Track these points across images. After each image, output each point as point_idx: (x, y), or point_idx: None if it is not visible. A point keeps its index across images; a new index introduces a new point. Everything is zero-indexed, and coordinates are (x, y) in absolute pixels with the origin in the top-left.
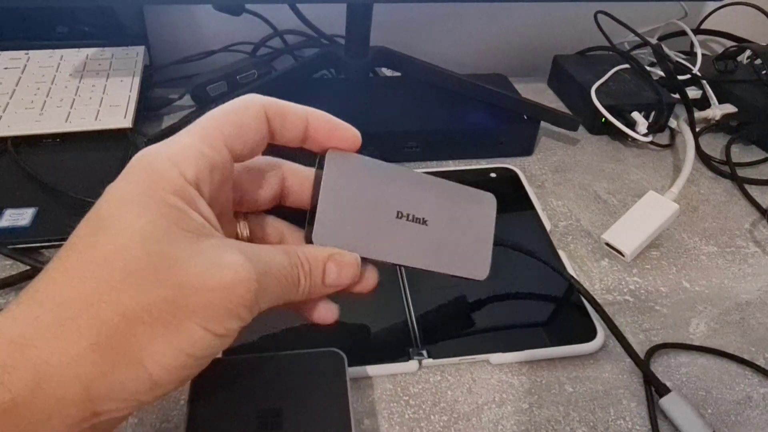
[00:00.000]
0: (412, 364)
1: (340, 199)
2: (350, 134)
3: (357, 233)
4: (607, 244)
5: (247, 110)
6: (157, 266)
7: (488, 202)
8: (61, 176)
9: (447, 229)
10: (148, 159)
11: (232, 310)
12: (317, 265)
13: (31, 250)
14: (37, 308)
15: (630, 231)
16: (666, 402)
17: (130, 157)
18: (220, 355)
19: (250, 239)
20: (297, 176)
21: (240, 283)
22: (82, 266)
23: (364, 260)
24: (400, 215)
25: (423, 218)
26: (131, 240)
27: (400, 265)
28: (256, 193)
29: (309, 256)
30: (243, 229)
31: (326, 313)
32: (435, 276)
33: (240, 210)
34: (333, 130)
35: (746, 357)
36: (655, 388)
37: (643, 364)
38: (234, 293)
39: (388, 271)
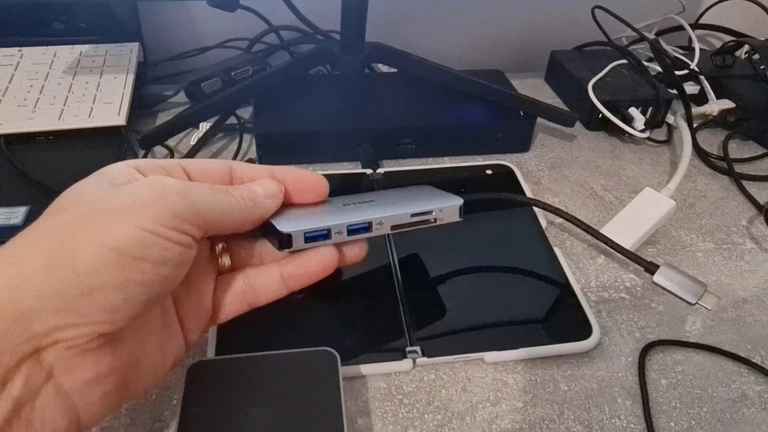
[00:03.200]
0: (405, 363)
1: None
2: (316, 186)
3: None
4: None
5: (210, 160)
6: (90, 197)
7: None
8: (54, 174)
9: (396, 196)
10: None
11: (159, 203)
12: (246, 183)
13: None
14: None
15: (626, 228)
16: (659, 277)
17: (124, 155)
18: (213, 356)
19: (233, 268)
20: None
21: (166, 187)
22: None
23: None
24: (347, 205)
25: (371, 200)
26: (72, 191)
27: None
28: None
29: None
30: (224, 258)
31: (358, 250)
32: (429, 273)
33: (216, 238)
34: (300, 180)
35: (742, 354)
36: (645, 268)
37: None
38: (160, 195)
39: (381, 270)
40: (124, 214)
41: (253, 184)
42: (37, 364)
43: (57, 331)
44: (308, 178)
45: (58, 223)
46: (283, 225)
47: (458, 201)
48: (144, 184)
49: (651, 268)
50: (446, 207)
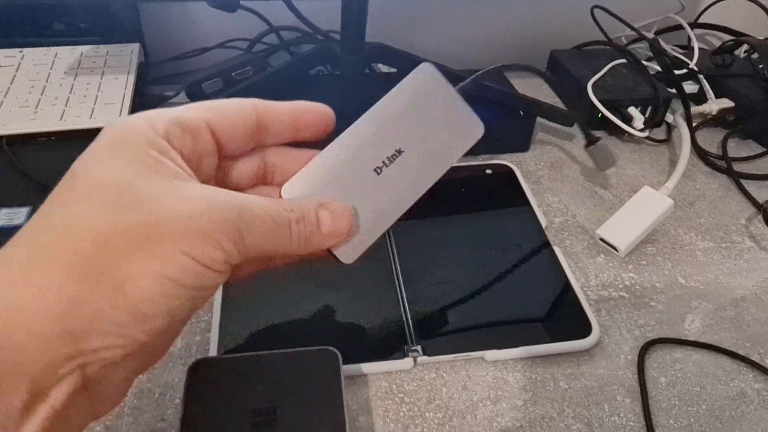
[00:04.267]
0: (407, 362)
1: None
2: (322, 119)
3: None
4: (602, 240)
5: (235, 102)
6: (129, 199)
7: (428, 73)
8: (56, 175)
9: (423, 134)
10: (120, 120)
11: (211, 236)
12: (308, 211)
13: None
14: (10, 249)
15: (624, 226)
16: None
17: None
18: (215, 354)
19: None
20: (280, 155)
21: (217, 210)
22: (54, 209)
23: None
24: (378, 170)
25: (397, 149)
26: (103, 180)
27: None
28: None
29: (295, 204)
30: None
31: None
32: (429, 272)
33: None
34: (302, 113)
35: (741, 353)
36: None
37: None
38: (212, 220)
39: (382, 269)
40: (178, 241)
41: (322, 212)
42: (79, 377)
43: (104, 350)
44: (310, 118)
45: (100, 234)
46: (300, 182)
47: (479, 124)
48: (195, 203)
49: None
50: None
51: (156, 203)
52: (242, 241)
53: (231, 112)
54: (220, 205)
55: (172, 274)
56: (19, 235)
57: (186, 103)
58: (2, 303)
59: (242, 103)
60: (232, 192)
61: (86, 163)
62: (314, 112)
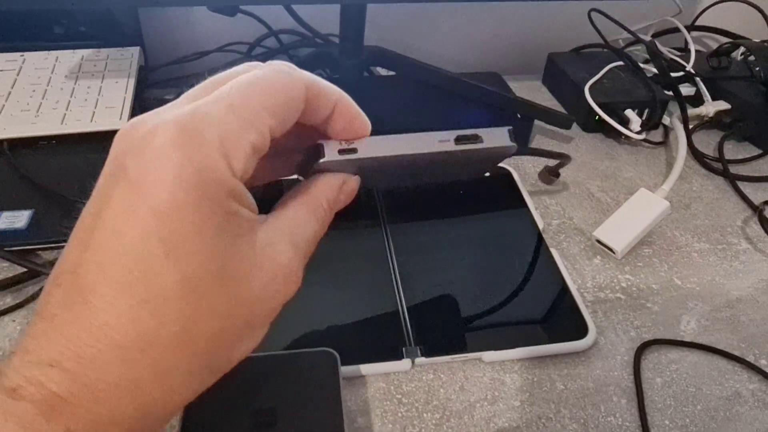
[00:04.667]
0: (404, 363)
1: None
2: (365, 129)
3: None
4: (599, 242)
5: (293, 92)
6: (229, 290)
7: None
8: (57, 178)
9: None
10: (195, 148)
11: (283, 303)
12: (336, 207)
13: (27, 252)
14: (125, 351)
15: (621, 228)
16: None
17: None
18: None
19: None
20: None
21: (293, 280)
22: (155, 297)
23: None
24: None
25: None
26: (201, 269)
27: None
28: None
29: (330, 200)
30: None
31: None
32: (427, 273)
33: None
34: (353, 119)
35: (736, 353)
36: None
37: None
38: (288, 290)
39: (380, 271)
40: (265, 319)
41: (341, 195)
42: None
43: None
44: (359, 123)
45: (212, 338)
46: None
47: (506, 127)
48: (278, 283)
49: None
50: (493, 130)
51: (247, 288)
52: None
53: (291, 113)
54: (295, 275)
55: (256, 344)
56: (113, 319)
57: None
58: (140, 410)
59: (297, 95)
60: (294, 235)
61: (174, 233)
62: (362, 121)
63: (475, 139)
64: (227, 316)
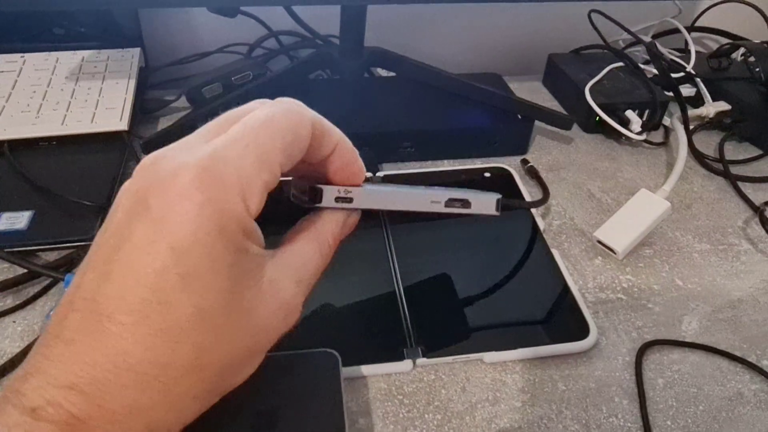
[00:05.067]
0: (406, 364)
1: None
2: (359, 175)
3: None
4: (599, 242)
5: (302, 129)
6: (237, 322)
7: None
8: (57, 179)
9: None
10: (217, 194)
11: (285, 332)
12: (337, 237)
13: (28, 254)
14: (140, 376)
15: (622, 229)
16: None
17: (127, 160)
18: None
19: None
20: None
21: (293, 313)
22: (171, 328)
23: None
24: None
25: None
26: (213, 301)
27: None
28: None
29: (335, 235)
30: None
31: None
32: (428, 274)
33: None
34: (350, 163)
35: (738, 354)
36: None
37: None
38: (288, 322)
39: (381, 272)
40: (264, 348)
41: (345, 227)
42: None
43: None
44: (353, 169)
45: (220, 364)
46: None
47: (495, 195)
48: (281, 314)
49: None
50: (482, 197)
51: (252, 321)
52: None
53: (299, 150)
54: (297, 308)
55: (254, 370)
56: (131, 347)
57: (186, 107)
58: (151, 424)
59: (305, 133)
60: (298, 271)
61: (191, 267)
62: (359, 167)
63: (465, 204)
64: (235, 346)
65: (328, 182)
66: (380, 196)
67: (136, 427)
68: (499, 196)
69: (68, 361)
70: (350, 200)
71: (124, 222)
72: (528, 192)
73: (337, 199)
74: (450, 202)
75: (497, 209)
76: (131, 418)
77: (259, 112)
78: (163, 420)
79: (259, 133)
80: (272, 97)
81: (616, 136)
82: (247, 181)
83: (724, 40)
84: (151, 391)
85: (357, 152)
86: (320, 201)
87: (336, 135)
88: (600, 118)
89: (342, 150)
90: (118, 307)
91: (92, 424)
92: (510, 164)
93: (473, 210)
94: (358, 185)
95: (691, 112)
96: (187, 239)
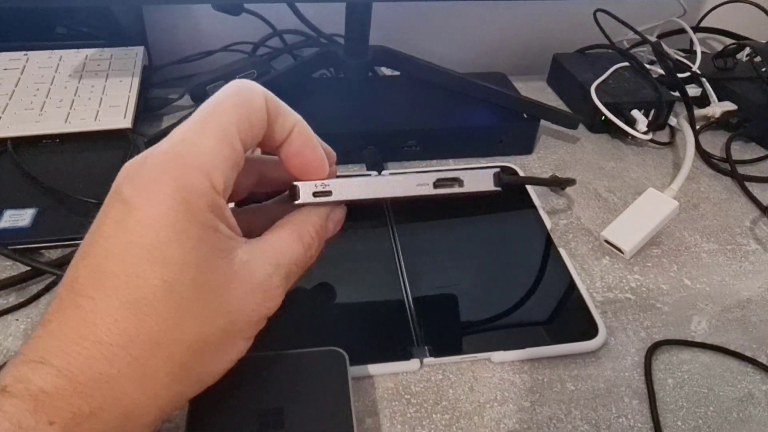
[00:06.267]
0: (413, 363)
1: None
2: (317, 162)
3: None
4: (607, 242)
5: (254, 103)
6: (207, 298)
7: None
8: (61, 177)
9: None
10: (178, 170)
11: (265, 317)
12: (324, 234)
13: (31, 251)
14: (108, 347)
15: (629, 228)
16: None
17: (130, 158)
18: None
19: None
20: (275, 167)
21: (272, 297)
22: (138, 302)
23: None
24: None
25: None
26: (180, 275)
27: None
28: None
29: (317, 228)
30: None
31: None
32: (435, 274)
33: None
34: (307, 148)
35: (748, 354)
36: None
37: None
38: (267, 306)
39: (388, 271)
40: (248, 333)
41: (329, 224)
42: None
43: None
44: (312, 155)
45: (192, 344)
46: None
47: (492, 169)
48: (256, 295)
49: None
50: (476, 173)
51: (225, 299)
52: (283, 295)
53: (257, 124)
54: (275, 291)
55: (237, 356)
56: (100, 319)
57: (190, 105)
58: (122, 408)
59: (259, 106)
60: (276, 257)
61: (156, 241)
62: (317, 155)
63: (455, 183)
64: (205, 323)
65: (291, 176)
66: (360, 185)
67: (104, 401)
68: (497, 169)
69: (40, 339)
70: (329, 193)
71: (102, 211)
72: (535, 191)
73: (316, 194)
74: (439, 183)
75: (497, 184)
76: (99, 390)
77: (212, 96)
78: (133, 399)
79: (214, 113)
80: (276, 95)
81: (622, 135)
82: (207, 158)
83: (729, 40)
84: (119, 363)
85: (317, 142)
86: (298, 198)
87: (293, 117)
88: (606, 117)
89: (300, 134)
90: (89, 283)
91: (57, 396)
92: (516, 163)
93: (468, 188)
94: (331, 177)
95: (697, 112)
96: (152, 214)
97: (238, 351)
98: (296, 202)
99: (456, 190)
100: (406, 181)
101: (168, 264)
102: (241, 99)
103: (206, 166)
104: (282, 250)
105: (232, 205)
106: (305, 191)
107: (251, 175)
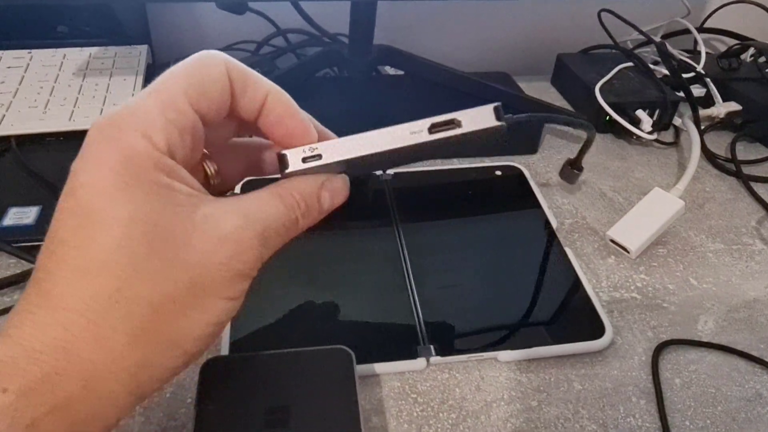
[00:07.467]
0: (419, 362)
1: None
2: (301, 130)
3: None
4: (613, 241)
5: (210, 68)
6: (163, 253)
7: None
8: (64, 175)
9: None
10: (114, 134)
11: (241, 274)
12: (313, 201)
13: (36, 249)
14: (63, 312)
15: (635, 228)
16: None
17: None
18: (227, 353)
19: (219, 172)
20: (265, 147)
21: (244, 251)
22: (89, 264)
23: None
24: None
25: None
26: (129, 231)
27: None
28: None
29: (304, 194)
30: (210, 166)
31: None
32: (441, 273)
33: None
34: (286, 116)
35: (755, 354)
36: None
37: None
38: (240, 260)
39: (394, 270)
40: (221, 291)
41: (323, 193)
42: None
43: (156, 390)
44: (293, 122)
45: (153, 302)
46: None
47: (491, 104)
48: (226, 245)
49: None
50: (475, 110)
51: (187, 253)
52: (262, 261)
53: (215, 89)
54: (246, 243)
55: (217, 318)
56: (52, 287)
57: None
58: (80, 372)
59: (215, 72)
60: (247, 211)
61: (96, 200)
62: (298, 121)
63: (452, 124)
64: (165, 279)
65: (277, 144)
66: (351, 143)
67: (61, 368)
68: (498, 103)
69: (9, 319)
70: (319, 156)
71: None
72: (540, 190)
73: (305, 159)
74: (435, 128)
75: (498, 118)
76: (54, 356)
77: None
78: (92, 360)
79: (163, 80)
80: None
81: (627, 135)
82: (147, 120)
83: (734, 41)
84: (74, 327)
85: (297, 107)
86: (288, 166)
87: (265, 85)
88: (610, 117)
89: (275, 102)
90: (45, 257)
91: (12, 364)
92: (521, 163)
93: (467, 128)
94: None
95: (702, 112)
96: (96, 178)
97: (217, 312)
98: (287, 171)
99: (454, 132)
100: (399, 131)
101: (116, 223)
102: (194, 65)
103: (144, 127)
104: (256, 205)
105: (237, 190)
106: (294, 158)
107: (241, 159)
